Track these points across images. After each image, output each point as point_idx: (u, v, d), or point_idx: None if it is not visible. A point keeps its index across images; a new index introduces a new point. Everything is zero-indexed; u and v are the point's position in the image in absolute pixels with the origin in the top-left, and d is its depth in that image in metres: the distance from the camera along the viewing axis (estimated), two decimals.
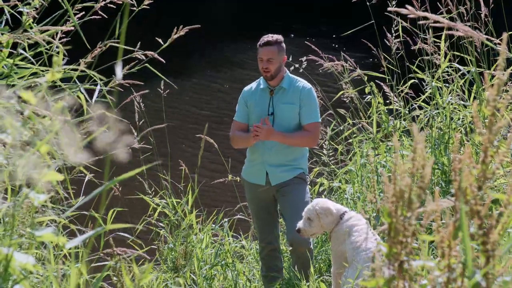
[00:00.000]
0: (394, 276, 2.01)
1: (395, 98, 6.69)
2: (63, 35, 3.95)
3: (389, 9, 2.51)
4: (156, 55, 3.94)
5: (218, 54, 16.94)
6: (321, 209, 5.43)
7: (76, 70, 3.77)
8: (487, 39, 6.18)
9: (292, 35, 14.49)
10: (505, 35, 2.08)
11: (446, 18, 6.43)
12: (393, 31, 6.70)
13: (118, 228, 3.22)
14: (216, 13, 21.06)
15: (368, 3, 6.78)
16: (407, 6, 2.47)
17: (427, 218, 2.02)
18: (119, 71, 1.84)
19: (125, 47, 3.81)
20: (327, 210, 5.43)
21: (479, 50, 6.44)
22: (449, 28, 2.48)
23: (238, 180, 6.73)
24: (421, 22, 2.49)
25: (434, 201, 2.13)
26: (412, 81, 6.69)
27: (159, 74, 3.92)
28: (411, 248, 2.00)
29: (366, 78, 6.87)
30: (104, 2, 4.14)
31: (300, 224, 5.54)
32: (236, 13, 21.58)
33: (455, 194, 2.15)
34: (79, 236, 4.61)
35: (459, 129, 6.37)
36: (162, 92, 6.96)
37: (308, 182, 6.27)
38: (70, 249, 4.33)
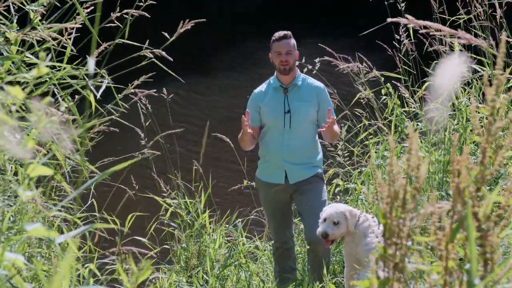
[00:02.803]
0: (389, 278, 1.98)
1: (410, 99, 6.65)
2: (72, 31, 3.94)
3: (388, 20, 2.47)
4: (163, 53, 3.93)
5: (222, 55, 16.94)
6: (347, 211, 5.42)
7: (83, 66, 3.77)
8: (496, 44, 6.12)
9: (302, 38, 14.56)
10: (504, 36, 2.04)
11: (463, 19, 6.40)
12: (402, 32, 6.67)
13: (111, 227, 3.22)
14: (215, 13, 21.08)
15: (386, 2, 6.73)
16: (407, 15, 2.43)
17: (421, 220, 1.98)
18: (92, 64, 1.83)
19: (133, 43, 3.80)
20: (352, 212, 5.43)
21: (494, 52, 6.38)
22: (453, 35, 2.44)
23: (247, 182, 6.72)
24: (423, 31, 2.45)
25: (432, 204, 2.09)
26: (427, 83, 6.63)
27: (168, 71, 3.91)
28: (406, 250, 1.97)
29: (382, 79, 6.83)
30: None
31: (325, 229, 5.45)
32: (236, 13, 21.61)
33: (453, 195, 2.11)
34: (89, 236, 4.62)
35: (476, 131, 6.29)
36: (166, 97, 6.90)
37: (325, 182, 6.26)
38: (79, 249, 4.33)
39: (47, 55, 3.75)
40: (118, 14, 4.15)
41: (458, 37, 2.40)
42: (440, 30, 2.37)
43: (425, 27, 2.40)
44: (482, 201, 2.11)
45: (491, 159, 2.17)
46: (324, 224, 5.47)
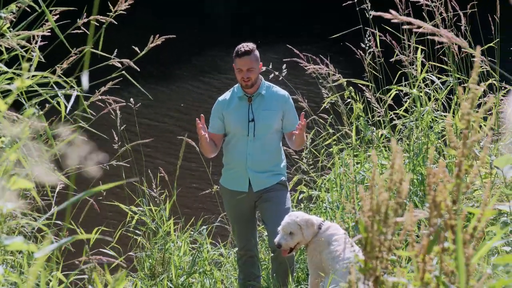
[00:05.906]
0: None
1: (376, 104, 6.69)
2: (41, 39, 3.91)
3: (372, 13, 2.50)
4: (131, 63, 3.90)
5: (199, 61, 16.90)
6: (303, 221, 5.42)
7: (52, 74, 3.73)
8: (459, 49, 6.19)
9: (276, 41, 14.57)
10: (478, 48, 2.07)
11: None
12: (366, 39, 6.73)
13: (92, 237, 3.19)
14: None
15: (357, 8, 6.78)
16: (391, 10, 2.46)
17: (404, 234, 2.00)
18: (85, 81, 1.82)
19: (101, 53, 3.77)
20: (308, 222, 5.42)
21: (457, 60, 6.46)
22: (433, 34, 2.47)
23: (217, 188, 6.71)
24: (405, 27, 2.48)
25: (409, 213, 2.12)
26: (394, 92, 6.68)
27: (134, 82, 3.89)
28: (387, 263, 1.98)
29: (345, 83, 6.86)
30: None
31: (280, 239, 5.49)
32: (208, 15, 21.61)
33: (430, 208, 2.14)
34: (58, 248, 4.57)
35: (437, 140, 6.37)
36: (133, 105, 6.85)
37: (289, 190, 6.27)
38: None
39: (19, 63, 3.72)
40: (85, 20, 4.11)
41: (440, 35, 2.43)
42: (422, 27, 2.40)
43: (409, 23, 2.43)
44: (458, 213, 2.14)
45: (466, 171, 2.19)
46: (280, 234, 5.51)
